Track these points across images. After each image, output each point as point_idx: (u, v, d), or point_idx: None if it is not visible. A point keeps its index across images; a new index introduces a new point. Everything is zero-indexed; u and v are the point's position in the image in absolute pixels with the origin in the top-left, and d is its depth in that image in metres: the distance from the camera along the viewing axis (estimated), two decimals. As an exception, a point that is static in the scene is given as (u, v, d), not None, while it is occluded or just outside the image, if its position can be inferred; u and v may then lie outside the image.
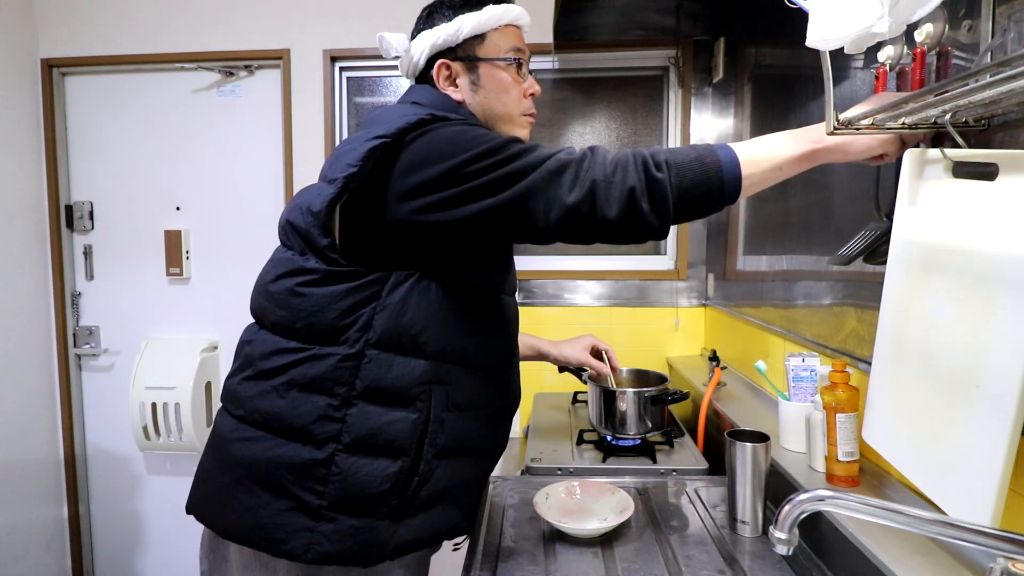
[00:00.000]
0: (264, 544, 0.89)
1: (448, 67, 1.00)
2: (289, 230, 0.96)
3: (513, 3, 1.03)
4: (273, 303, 0.95)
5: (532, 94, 1.05)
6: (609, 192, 0.79)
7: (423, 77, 1.04)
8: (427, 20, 1.01)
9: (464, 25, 0.98)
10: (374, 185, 0.88)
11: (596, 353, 1.46)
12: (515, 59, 1.01)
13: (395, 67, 2.21)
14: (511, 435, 1.30)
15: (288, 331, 0.93)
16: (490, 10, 0.99)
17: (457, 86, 1.01)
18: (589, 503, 1.10)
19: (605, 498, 1.10)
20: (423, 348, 0.92)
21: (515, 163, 0.82)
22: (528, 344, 1.42)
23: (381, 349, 0.90)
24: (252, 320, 1.02)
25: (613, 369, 1.45)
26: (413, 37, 1.03)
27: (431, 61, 1.01)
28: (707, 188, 0.80)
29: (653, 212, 0.79)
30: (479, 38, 1.00)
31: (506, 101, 1.02)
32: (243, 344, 1.00)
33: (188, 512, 0.99)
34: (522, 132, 1.06)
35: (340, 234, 0.91)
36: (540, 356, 1.44)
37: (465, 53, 1.00)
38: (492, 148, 0.83)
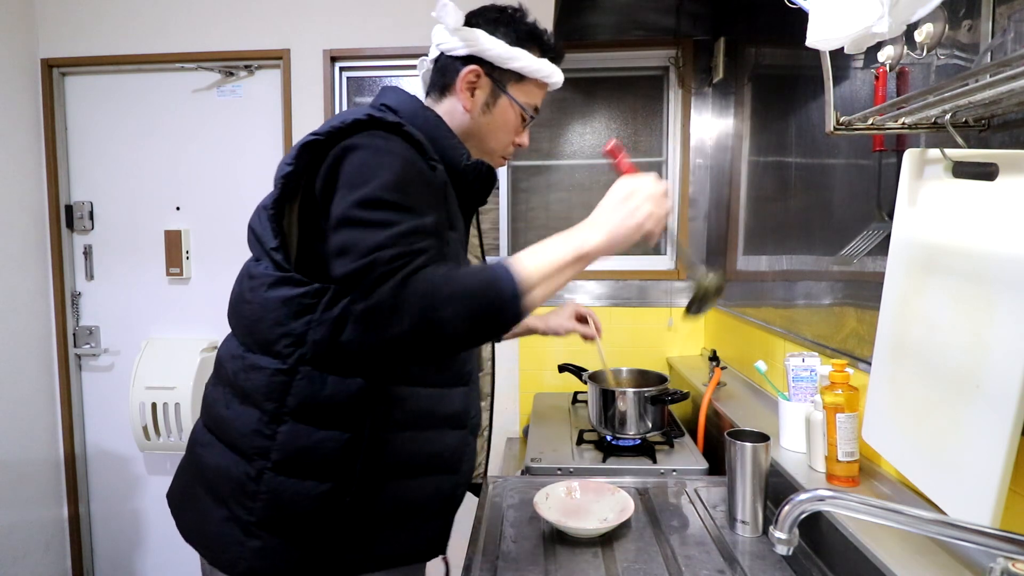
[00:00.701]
0: (204, 551, 0.90)
1: (479, 76, 0.98)
2: (250, 235, 0.94)
3: (560, 72, 1.04)
4: (232, 308, 0.96)
5: (519, 144, 1.07)
6: (386, 322, 0.71)
7: (442, 62, 1.01)
8: (493, 24, 0.99)
9: (520, 59, 0.98)
10: (315, 187, 0.83)
11: (581, 318, 1.45)
12: (532, 115, 1.04)
13: (395, 67, 2.21)
14: (513, 435, 1.27)
15: (239, 337, 0.93)
16: (545, 64, 1.00)
17: (473, 96, 0.99)
18: (589, 503, 1.10)
19: (605, 498, 1.10)
20: (361, 367, 0.86)
21: (370, 236, 0.74)
22: None
23: (314, 366, 0.85)
24: None
25: (598, 330, 1.45)
26: (468, 22, 0.99)
27: (467, 58, 0.98)
28: (492, 322, 0.74)
29: (429, 351, 0.74)
30: (520, 77, 1.00)
31: (500, 138, 1.03)
32: (219, 349, 1.00)
33: (167, 498, 1.01)
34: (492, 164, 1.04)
35: (298, 237, 0.87)
36: (529, 331, 1.43)
37: (502, 80, 0.99)
38: (371, 205, 0.76)
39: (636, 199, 0.81)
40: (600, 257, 0.80)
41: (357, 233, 0.75)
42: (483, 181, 0.98)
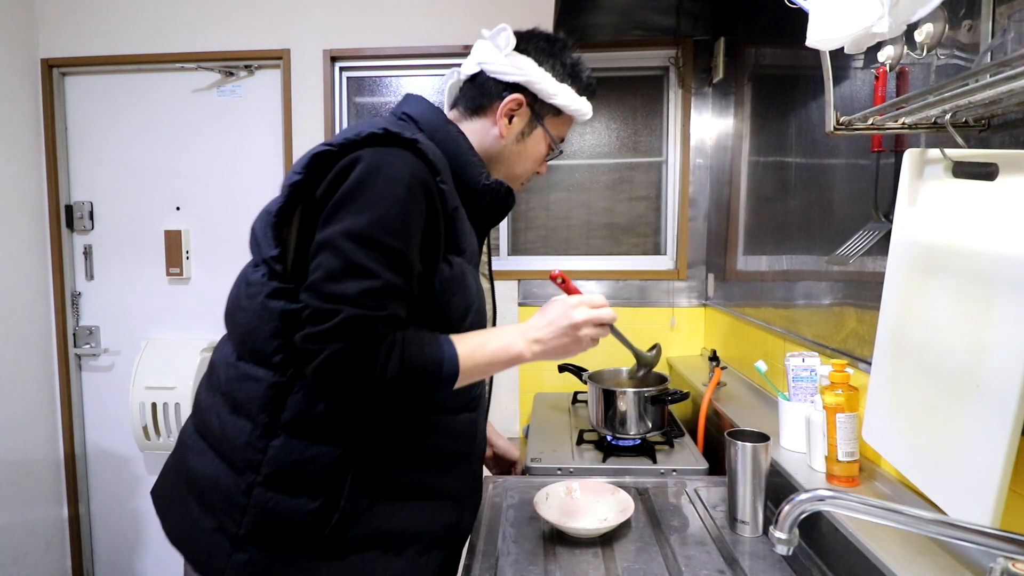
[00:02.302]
0: (191, 555, 0.87)
1: (521, 105, 0.96)
2: (252, 238, 0.90)
3: (590, 107, 1.04)
4: (229, 312, 0.92)
5: (539, 172, 1.07)
6: (329, 373, 0.74)
7: (478, 78, 0.98)
8: (542, 54, 0.97)
9: (563, 96, 0.98)
10: (316, 198, 0.81)
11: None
12: (559, 149, 1.05)
13: (395, 67, 2.21)
14: (513, 435, 1.24)
15: (233, 344, 0.90)
16: (584, 102, 1.01)
17: (511, 124, 0.97)
18: (589, 503, 1.10)
19: (605, 498, 1.10)
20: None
21: (345, 282, 0.75)
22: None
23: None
24: None
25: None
26: (518, 47, 0.97)
27: (512, 85, 0.96)
28: (421, 394, 0.80)
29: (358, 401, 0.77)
30: (558, 112, 1.00)
31: (525, 166, 1.03)
32: (213, 352, 0.97)
33: (152, 495, 0.98)
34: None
35: (294, 247, 0.83)
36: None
37: (541, 112, 0.99)
38: (361, 239, 0.76)
39: (585, 329, 0.86)
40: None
41: (336, 267, 0.75)
42: (499, 203, 0.97)
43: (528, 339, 0.85)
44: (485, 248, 1.09)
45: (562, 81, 0.98)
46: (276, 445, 0.82)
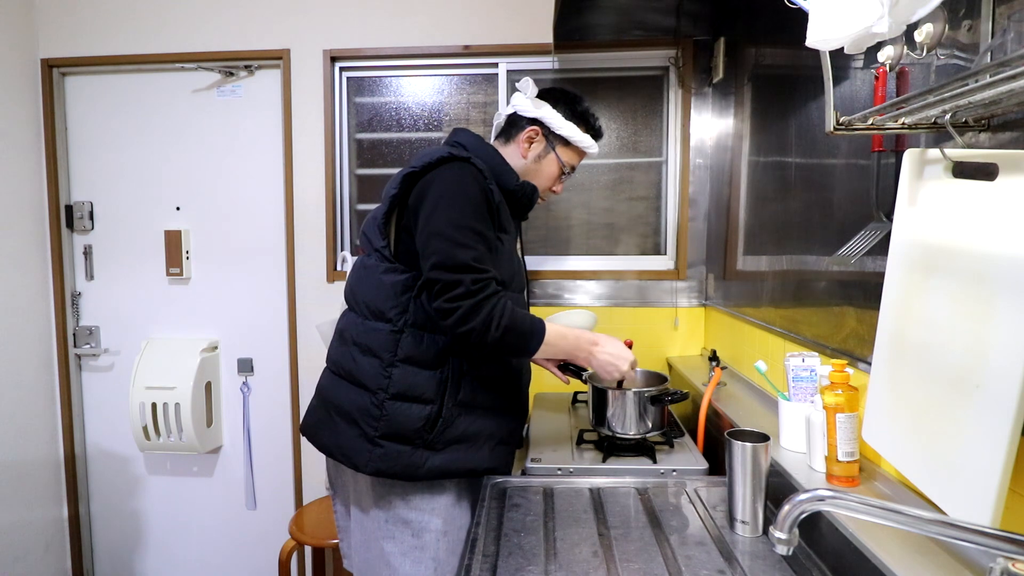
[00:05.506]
0: (342, 458, 1.25)
1: (537, 134, 1.38)
2: (363, 238, 1.34)
3: (596, 145, 1.44)
4: (352, 292, 1.32)
5: (555, 191, 1.47)
6: (460, 323, 1.12)
7: (513, 117, 1.41)
8: (556, 100, 1.39)
9: (568, 129, 1.38)
10: (408, 205, 1.22)
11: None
12: (569, 171, 1.44)
13: (393, 67, 2.22)
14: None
15: (358, 310, 1.29)
16: (587, 137, 1.41)
17: (529, 147, 1.39)
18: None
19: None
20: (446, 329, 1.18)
21: (460, 253, 1.12)
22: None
23: (416, 328, 1.22)
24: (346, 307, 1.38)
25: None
26: (539, 95, 1.41)
27: (532, 119, 1.37)
28: (514, 354, 1.29)
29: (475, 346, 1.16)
30: (567, 142, 1.40)
31: (542, 182, 1.42)
32: (338, 323, 1.37)
33: (301, 433, 1.38)
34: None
35: (394, 239, 1.25)
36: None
37: (553, 140, 1.40)
38: (457, 227, 1.14)
39: (621, 362, 1.30)
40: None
41: (449, 248, 1.12)
42: (528, 198, 1.36)
43: (593, 351, 1.29)
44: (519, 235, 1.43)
45: (569, 119, 1.37)
46: (397, 372, 1.22)
